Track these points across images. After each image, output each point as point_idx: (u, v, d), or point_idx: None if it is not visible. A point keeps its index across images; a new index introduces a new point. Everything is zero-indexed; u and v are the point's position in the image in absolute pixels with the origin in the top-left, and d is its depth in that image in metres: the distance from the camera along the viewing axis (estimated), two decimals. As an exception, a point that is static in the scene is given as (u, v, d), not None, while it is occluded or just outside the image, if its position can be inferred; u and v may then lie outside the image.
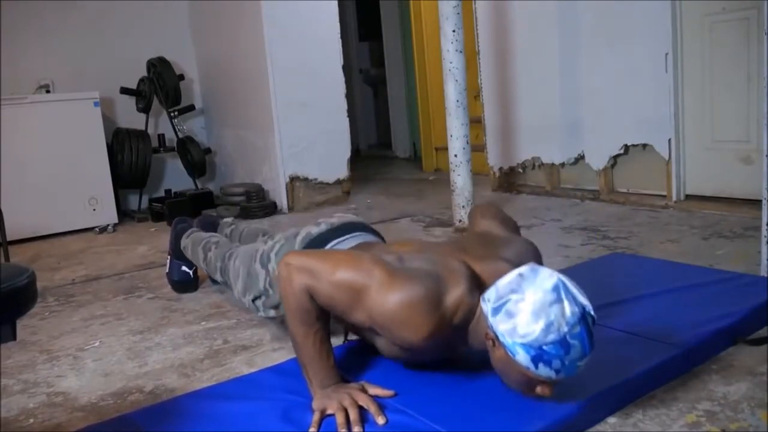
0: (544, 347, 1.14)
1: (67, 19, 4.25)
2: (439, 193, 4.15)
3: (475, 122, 3.84)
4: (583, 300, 1.18)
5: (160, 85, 4.27)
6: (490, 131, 4.12)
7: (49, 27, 4.18)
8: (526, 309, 1.16)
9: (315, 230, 1.68)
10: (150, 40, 4.43)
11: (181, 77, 4.39)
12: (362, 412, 1.27)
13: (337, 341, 1.65)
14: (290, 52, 3.92)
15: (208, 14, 4.49)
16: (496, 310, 1.19)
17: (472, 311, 1.28)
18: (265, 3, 3.83)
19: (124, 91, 4.26)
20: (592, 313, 1.19)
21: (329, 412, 1.27)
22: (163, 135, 4.43)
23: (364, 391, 1.33)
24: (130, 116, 4.38)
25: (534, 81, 3.77)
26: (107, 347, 1.93)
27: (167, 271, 2.42)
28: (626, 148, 3.36)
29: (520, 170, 4.00)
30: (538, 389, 1.21)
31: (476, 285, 1.30)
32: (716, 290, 1.81)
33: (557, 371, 1.16)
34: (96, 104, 3.85)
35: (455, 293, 1.27)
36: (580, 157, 3.60)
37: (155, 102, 4.32)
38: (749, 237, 2.47)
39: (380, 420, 1.24)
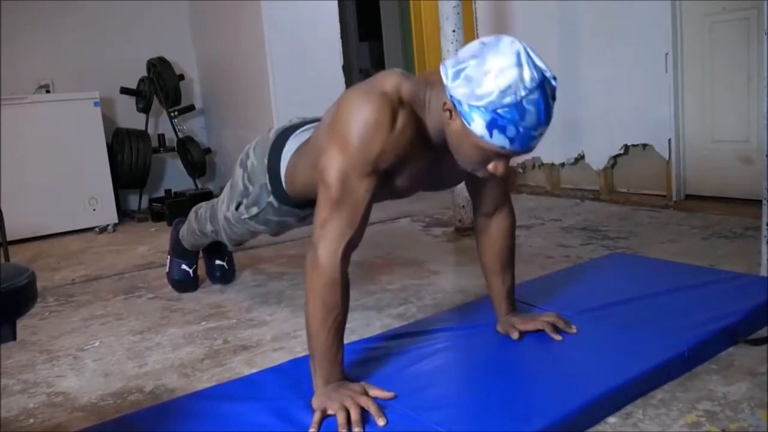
0: (500, 110, 1.15)
1: (67, 19, 4.25)
2: (439, 192, 4.15)
3: (475, 122, 3.83)
4: (544, 67, 1.18)
5: (160, 85, 4.27)
6: (490, 131, 4.11)
7: (49, 27, 4.19)
8: (485, 72, 1.16)
9: (287, 123, 1.78)
10: (150, 40, 4.44)
11: (181, 77, 4.39)
12: (363, 412, 1.27)
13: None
14: (290, 52, 3.92)
15: (208, 14, 4.50)
16: (456, 75, 1.19)
17: (416, 92, 1.30)
18: (265, 3, 3.83)
19: (124, 91, 4.27)
20: (553, 83, 1.19)
21: (330, 412, 1.27)
22: (163, 135, 4.43)
23: (364, 392, 1.32)
24: (130, 116, 4.38)
25: (534, 81, 3.76)
26: (107, 347, 1.93)
27: (167, 270, 2.42)
28: (626, 148, 3.36)
29: (520, 170, 4.00)
30: (491, 166, 1.23)
31: (412, 76, 1.33)
32: (716, 290, 1.81)
33: (511, 140, 1.17)
34: (96, 104, 3.85)
35: (387, 80, 1.30)
36: (580, 157, 3.60)
37: (155, 102, 4.32)
38: (749, 237, 2.48)
39: (380, 421, 1.24)
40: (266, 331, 1.94)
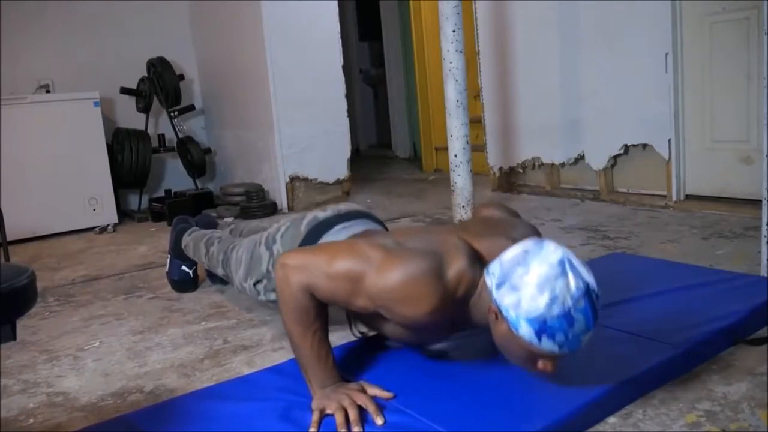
0: (548, 321, 1.14)
1: (67, 19, 4.25)
2: (439, 193, 4.15)
3: (475, 122, 3.83)
4: (588, 276, 1.18)
5: (160, 85, 4.27)
6: (490, 131, 4.12)
7: (49, 27, 4.19)
8: (530, 282, 1.16)
9: (321, 215, 1.69)
10: (150, 40, 4.44)
11: (181, 77, 4.39)
12: (361, 412, 1.27)
13: (336, 341, 1.65)
14: (290, 52, 3.92)
15: (208, 14, 4.50)
16: (501, 284, 1.19)
17: (473, 285, 1.28)
18: (265, 3, 3.83)
19: (124, 91, 4.27)
20: (596, 289, 1.19)
21: (328, 411, 1.27)
22: (163, 135, 4.43)
23: (363, 391, 1.32)
24: (130, 116, 4.38)
25: (534, 81, 3.76)
26: (107, 347, 1.93)
27: (167, 270, 2.42)
28: (626, 148, 3.36)
29: (520, 170, 4.00)
30: (540, 364, 1.21)
31: (476, 260, 1.30)
32: (716, 290, 1.81)
33: (560, 345, 1.16)
34: (96, 104, 3.85)
35: (455, 266, 1.26)
36: (580, 157, 3.60)
37: (155, 102, 4.32)
38: (749, 237, 2.47)
39: (379, 420, 1.24)
40: (266, 331, 1.94)
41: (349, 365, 1.50)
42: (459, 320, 1.35)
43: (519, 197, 3.89)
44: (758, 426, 1.21)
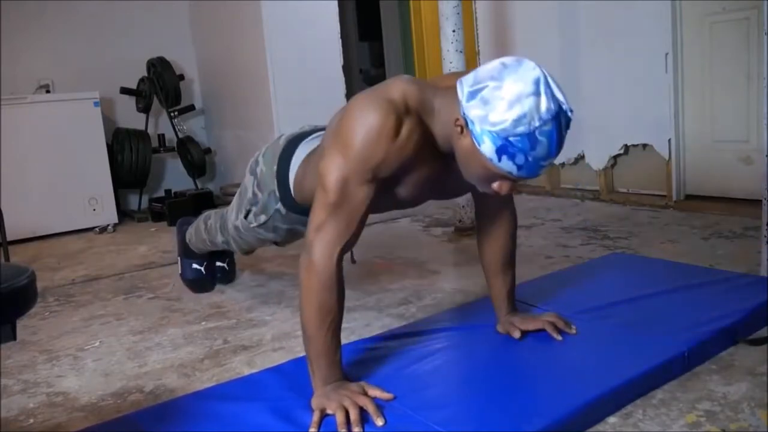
0: (511, 138, 1.14)
1: (67, 19, 4.25)
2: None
3: (475, 122, 3.83)
4: (562, 98, 1.18)
5: (160, 85, 4.27)
6: (490, 131, 4.12)
7: (49, 27, 4.19)
8: (502, 97, 1.15)
9: (297, 131, 1.75)
10: (150, 40, 4.43)
11: (181, 77, 4.39)
12: (362, 412, 1.27)
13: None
14: (290, 52, 3.92)
15: (208, 14, 4.50)
16: (472, 95, 1.18)
17: (423, 99, 1.28)
18: (265, 3, 3.83)
19: (124, 91, 4.27)
20: (569, 114, 1.18)
21: (329, 411, 1.27)
22: (163, 135, 4.43)
23: (363, 392, 1.32)
24: (130, 116, 4.38)
25: (534, 81, 3.76)
26: (107, 347, 1.93)
27: (180, 272, 2.41)
28: (626, 148, 3.36)
29: (520, 170, 3.99)
30: (496, 185, 1.22)
31: (422, 83, 1.31)
32: (716, 290, 1.81)
33: (519, 167, 1.16)
34: (96, 104, 3.85)
35: (393, 87, 1.28)
36: (580, 157, 3.60)
37: (155, 102, 4.32)
38: (749, 237, 2.47)
39: (379, 422, 1.24)
40: (266, 331, 1.94)
41: (349, 365, 1.50)
42: (434, 151, 1.32)
43: (519, 197, 3.89)
44: (758, 426, 1.21)
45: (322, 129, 1.69)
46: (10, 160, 3.58)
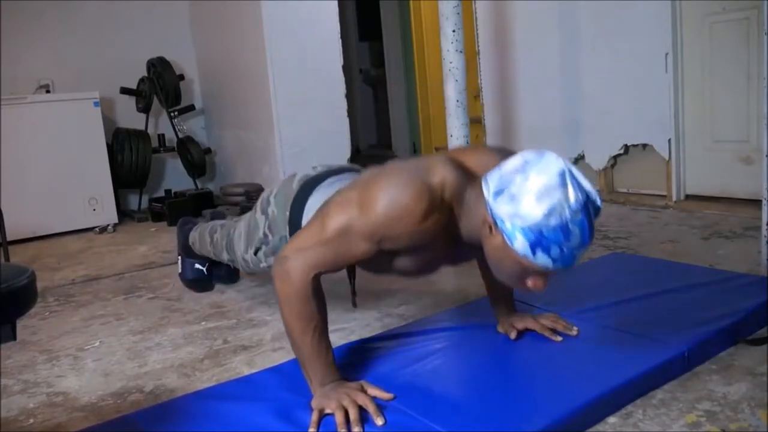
0: (544, 232, 1.13)
1: (67, 19, 4.25)
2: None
3: (475, 122, 3.83)
4: (588, 187, 1.17)
5: (160, 85, 4.27)
6: (490, 131, 4.12)
7: (49, 27, 4.19)
8: (529, 192, 1.14)
9: (312, 172, 1.72)
10: (150, 40, 4.43)
11: (181, 77, 4.39)
12: (361, 412, 1.27)
13: (336, 341, 1.65)
14: (290, 52, 3.92)
15: (208, 14, 4.50)
16: (498, 193, 1.18)
17: (460, 191, 1.26)
18: (265, 3, 3.83)
19: (124, 91, 4.27)
20: (597, 203, 1.18)
21: (328, 411, 1.27)
22: (163, 135, 4.43)
23: (363, 391, 1.32)
24: (130, 116, 4.38)
25: (534, 81, 3.76)
26: (107, 347, 1.93)
27: (180, 272, 2.41)
28: (626, 148, 3.36)
29: (520, 170, 3.99)
30: (530, 282, 1.21)
31: (460, 169, 1.29)
32: (716, 290, 1.81)
33: (554, 260, 1.15)
34: (96, 104, 3.85)
35: (438, 172, 1.25)
36: (580, 157, 3.60)
37: (155, 102, 4.32)
38: (749, 237, 2.47)
39: (379, 421, 1.24)
40: (266, 331, 1.94)
41: (349, 365, 1.50)
42: (453, 235, 1.31)
43: (519, 197, 3.88)
44: (758, 426, 1.21)
45: (337, 170, 1.68)
46: (10, 160, 3.58)
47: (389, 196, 1.24)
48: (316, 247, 1.29)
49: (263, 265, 1.80)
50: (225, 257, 2.06)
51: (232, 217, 2.49)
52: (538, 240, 1.14)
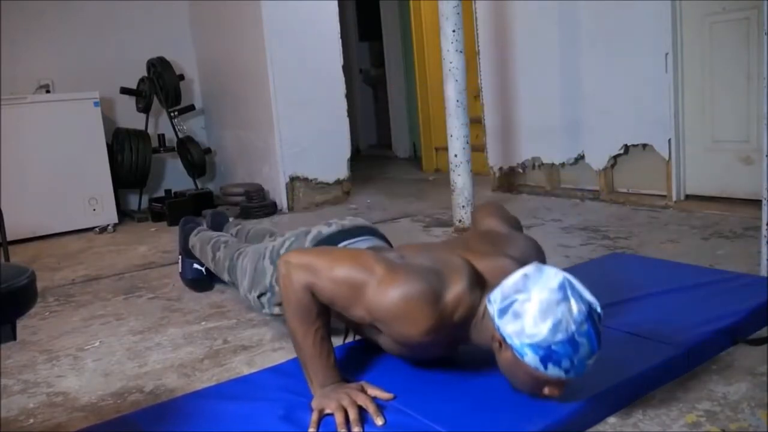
0: (553, 347, 1.14)
1: (67, 19, 4.25)
2: (439, 193, 4.15)
3: (475, 122, 3.83)
4: (589, 297, 1.19)
5: (160, 85, 4.27)
6: (490, 131, 4.12)
7: (49, 27, 4.19)
8: (532, 309, 1.16)
9: (326, 230, 1.70)
10: (150, 40, 4.43)
11: (181, 77, 4.39)
12: (361, 412, 1.27)
13: (337, 341, 1.65)
14: (290, 52, 3.92)
15: (208, 14, 4.50)
16: (503, 311, 1.20)
17: (473, 308, 1.28)
18: (265, 3, 3.83)
19: (124, 91, 4.27)
20: (599, 310, 1.19)
21: (328, 411, 1.27)
22: (163, 135, 4.43)
23: (363, 391, 1.33)
24: (130, 116, 4.38)
25: (534, 81, 3.77)
26: (107, 347, 1.94)
27: (180, 271, 2.41)
28: (626, 148, 3.36)
29: (520, 170, 4.00)
30: (547, 390, 1.21)
31: (477, 282, 1.30)
32: (716, 290, 1.81)
33: (567, 371, 1.16)
34: (96, 104, 3.85)
35: (455, 290, 1.27)
36: (580, 157, 3.60)
37: (155, 102, 4.32)
38: (749, 237, 2.47)
39: (379, 421, 1.24)
40: (266, 331, 1.94)
41: (349, 365, 1.50)
42: (457, 341, 1.36)
43: (519, 197, 3.89)
44: (758, 426, 1.21)
45: (352, 234, 1.67)
46: (10, 160, 3.57)
47: (402, 298, 1.25)
48: (319, 276, 1.31)
49: (265, 310, 1.81)
50: (225, 278, 2.07)
51: (234, 221, 2.49)
52: (548, 355, 1.15)
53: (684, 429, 1.22)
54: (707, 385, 1.37)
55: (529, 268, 1.22)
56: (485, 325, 1.27)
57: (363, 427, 1.23)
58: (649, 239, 2.63)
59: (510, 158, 4.03)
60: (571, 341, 1.14)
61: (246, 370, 1.65)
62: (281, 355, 1.73)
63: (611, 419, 1.28)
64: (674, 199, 3.16)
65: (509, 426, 1.21)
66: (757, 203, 2.05)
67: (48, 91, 4.07)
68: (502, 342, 1.21)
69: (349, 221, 1.75)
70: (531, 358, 1.17)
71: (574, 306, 1.16)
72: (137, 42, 4.41)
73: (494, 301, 1.22)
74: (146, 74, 4.34)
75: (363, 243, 1.65)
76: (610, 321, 1.64)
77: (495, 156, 4.12)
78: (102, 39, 4.35)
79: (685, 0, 3.02)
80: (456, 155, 3.06)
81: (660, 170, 3.21)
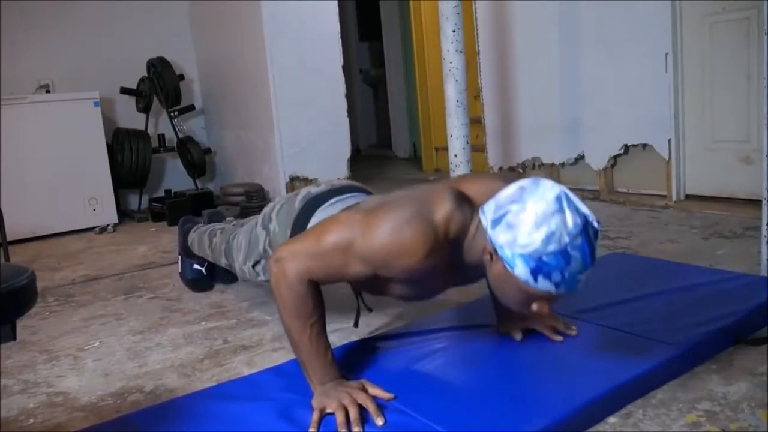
0: (544, 258, 1.13)
1: (67, 19, 4.25)
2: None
3: (475, 122, 3.83)
4: (586, 211, 1.17)
5: (160, 85, 4.27)
6: (490, 131, 4.12)
7: (49, 27, 4.18)
8: (526, 219, 1.14)
9: (315, 190, 1.69)
10: (150, 40, 4.44)
11: (181, 77, 4.39)
12: (362, 411, 1.27)
13: (336, 341, 1.65)
14: (290, 52, 3.92)
15: (208, 14, 4.50)
16: (496, 222, 1.18)
17: (464, 225, 1.26)
18: (265, 3, 3.83)
19: (124, 91, 4.27)
20: (595, 225, 1.18)
21: (328, 410, 1.27)
22: (163, 135, 4.43)
23: (363, 389, 1.32)
24: (130, 116, 4.38)
25: (534, 81, 3.77)
26: (107, 347, 1.94)
27: (179, 271, 2.41)
28: (626, 148, 3.36)
29: (520, 170, 4.00)
30: (535, 306, 1.20)
31: (466, 201, 1.28)
32: (716, 290, 1.81)
33: (557, 284, 1.15)
34: (96, 104, 3.85)
35: (442, 208, 1.25)
36: (580, 157, 3.60)
37: (155, 102, 4.32)
38: (749, 237, 2.47)
39: (379, 421, 1.24)
40: (266, 331, 1.94)
41: (349, 365, 1.50)
42: (456, 265, 1.32)
43: (519, 197, 3.88)
44: (758, 426, 1.21)
45: (340, 189, 1.66)
46: (10, 160, 3.57)
47: (391, 232, 1.23)
48: (311, 256, 1.30)
49: (261, 278, 1.81)
50: (223, 262, 2.07)
51: (231, 219, 2.50)
52: (539, 266, 1.13)
53: (684, 429, 1.22)
54: (707, 385, 1.37)
55: (525, 181, 1.21)
56: (478, 241, 1.25)
57: (363, 427, 1.23)
58: (649, 239, 2.63)
59: (510, 158, 4.03)
60: (564, 253, 1.12)
61: (246, 370, 1.65)
62: (281, 355, 1.73)
63: (611, 419, 1.27)
64: (674, 199, 3.16)
65: (509, 426, 1.21)
66: (757, 203, 2.05)
67: (48, 91, 4.07)
68: (493, 253, 1.19)
69: (338, 182, 1.74)
70: (521, 270, 1.15)
71: (570, 218, 1.14)
72: (137, 42, 4.41)
73: (488, 211, 1.20)
74: (146, 74, 4.34)
75: (353, 199, 1.62)
76: (611, 321, 1.64)
77: (495, 156, 4.12)
78: (102, 39, 4.35)
79: (685, 0, 3.02)
80: (456, 155, 3.06)
81: (660, 170, 3.21)
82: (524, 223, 1.14)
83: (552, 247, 1.12)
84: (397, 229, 1.23)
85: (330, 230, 1.31)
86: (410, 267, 1.25)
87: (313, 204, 1.64)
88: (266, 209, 1.80)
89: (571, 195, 1.18)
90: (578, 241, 1.14)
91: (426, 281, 1.34)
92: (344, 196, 1.64)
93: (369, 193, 1.73)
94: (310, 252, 1.30)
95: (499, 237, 1.17)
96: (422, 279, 1.31)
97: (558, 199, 1.15)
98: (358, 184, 1.77)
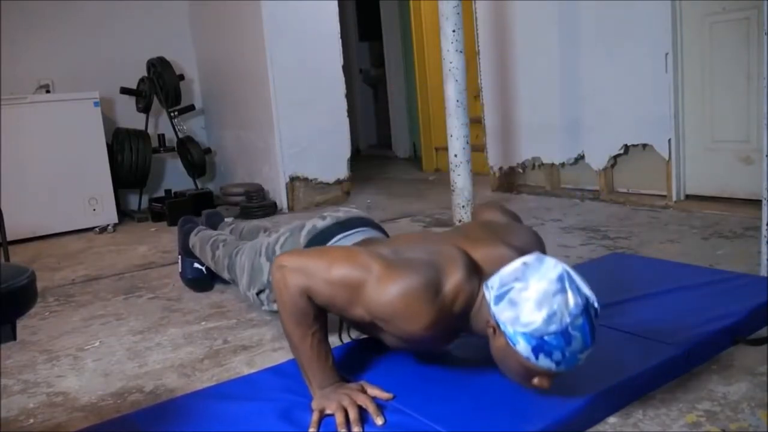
0: (546, 338, 1.14)
1: (67, 19, 4.25)
2: (439, 193, 4.15)
3: (475, 122, 3.84)
4: (587, 292, 1.18)
5: (160, 85, 4.27)
6: (490, 131, 4.12)
7: (49, 27, 4.18)
8: (529, 298, 1.15)
9: (321, 224, 1.69)
10: (150, 40, 4.44)
11: (181, 77, 4.39)
12: (361, 412, 1.27)
13: (335, 341, 1.65)
14: (290, 52, 3.92)
15: (208, 14, 4.50)
16: (499, 298, 1.19)
17: (472, 297, 1.27)
18: (265, 3, 3.83)
19: (124, 91, 4.27)
20: (596, 305, 1.19)
21: (328, 411, 1.27)
22: (163, 135, 4.43)
23: (363, 391, 1.33)
24: (130, 116, 4.38)
25: (534, 81, 3.77)
26: (107, 347, 1.93)
27: (180, 270, 2.41)
28: (626, 148, 3.36)
29: (520, 170, 4.00)
30: (536, 381, 1.21)
31: (475, 271, 1.29)
32: (716, 290, 1.81)
33: (557, 363, 1.16)
34: (96, 104, 3.85)
35: (453, 280, 1.26)
36: (580, 157, 3.60)
37: (155, 102, 4.32)
38: (749, 237, 2.47)
39: (379, 421, 1.24)
40: (266, 331, 1.94)
41: (349, 365, 1.50)
42: (458, 330, 1.35)
43: (519, 197, 3.89)
44: (758, 426, 1.21)
45: (346, 227, 1.66)
46: (10, 160, 3.57)
47: (404, 295, 1.24)
48: (316, 279, 1.30)
49: (264, 307, 1.81)
50: (226, 276, 2.08)
51: (230, 220, 2.50)
52: (540, 345, 1.14)
53: (684, 429, 1.22)
54: (707, 385, 1.37)
55: (529, 257, 1.22)
56: (483, 312, 1.26)
57: (363, 427, 1.23)
58: (649, 239, 2.63)
59: (510, 158, 4.03)
60: (565, 333, 1.14)
61: (246, 370, 1.65)
62: (281, 355, 1.73)
63: (611, 419, 1.28)
64: (674, 199, 3.16)
65: (509, 426, 1.21)
66: (757, 203, 2.05)
67: (48, 91, 4.07)
68: (496, 328, 1.21)
69: (343, 213, 1.74)
70: (523, 347, 1.16)
71: (571, 298, 1.15)
72: (137, 42, 4.41)
73: (491, 287, 1.22)
74: (146, 74, 4.34)
75: (358, 235, 1.63)
76: (610, 321, 1.64)
77: (495, 156, 4.12)
78: (102, 39, 4.35)
79: (685, 0, 3.02)
80: (456, 155, 3.06)
81: (660, 170, 3.21)
82: (527, 302, 1.16)
83: (553, 327, 1.13)
84: (409, 295, 1.24)
85: (344, 264, 1.31)
86: (411, 332, 1.27)
87: (318, 240, 1.65)
88: (271, 240, 1.78)
89: (574, 274, 1.19)
90: (579, 321, 1.15)
91: (421, 343, 1.36)
92: (350, 232, 1.64)
93: (375, 225, 1.73)
94: (317, 275, 1.30)
95: (502, 314, 1.18)
96: (418, 341, 1.33)
97: (560, 278, 1.17)
98: (362, 214, 1.77)
